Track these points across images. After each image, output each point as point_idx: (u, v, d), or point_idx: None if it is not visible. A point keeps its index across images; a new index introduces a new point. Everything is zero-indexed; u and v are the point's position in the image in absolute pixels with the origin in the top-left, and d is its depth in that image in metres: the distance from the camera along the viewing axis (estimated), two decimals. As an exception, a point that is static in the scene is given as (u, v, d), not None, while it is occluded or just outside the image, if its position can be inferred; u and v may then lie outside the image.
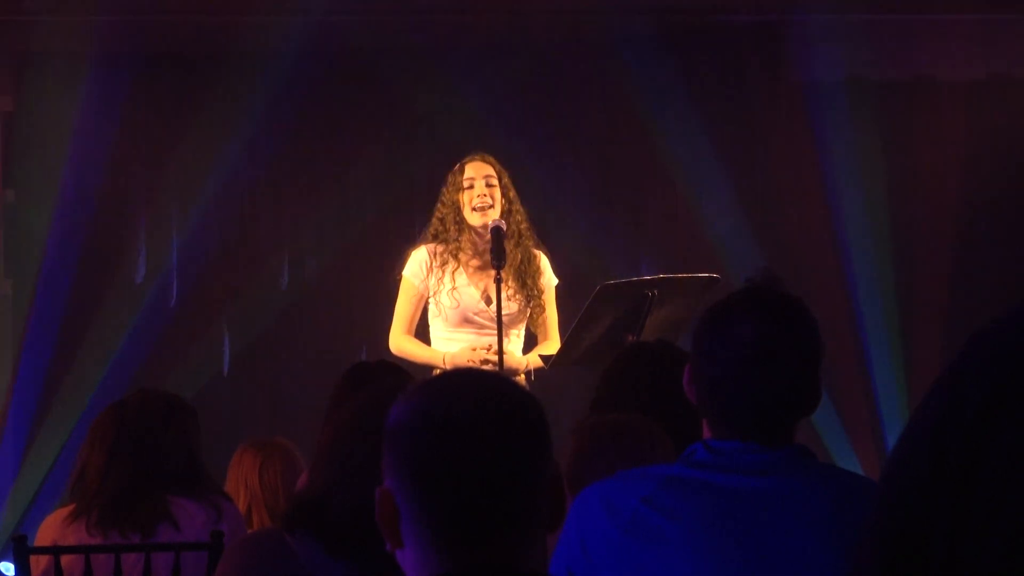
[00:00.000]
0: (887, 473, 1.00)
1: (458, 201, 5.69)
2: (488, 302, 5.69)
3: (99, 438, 3.85)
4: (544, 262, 5.81)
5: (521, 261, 5.71)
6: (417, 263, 5.74)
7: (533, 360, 5.68)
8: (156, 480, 3.83)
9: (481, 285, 5.71)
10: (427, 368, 5.59)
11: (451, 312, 5.68)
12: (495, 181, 5.69)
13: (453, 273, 5.69)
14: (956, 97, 7.54)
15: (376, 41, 7.46)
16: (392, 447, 1.64)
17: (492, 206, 5.63)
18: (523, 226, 5.74)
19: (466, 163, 5.74)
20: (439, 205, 5.78)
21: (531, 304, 5.73)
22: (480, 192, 5.64)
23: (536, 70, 7.44)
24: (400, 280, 5.77)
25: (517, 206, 5.75)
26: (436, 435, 1.62)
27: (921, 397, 1.01)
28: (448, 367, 5.54)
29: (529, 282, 5.71)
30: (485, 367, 5.40)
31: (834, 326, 6.90)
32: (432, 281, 5.71)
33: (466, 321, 5.69)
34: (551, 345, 5.72)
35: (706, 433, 2.48)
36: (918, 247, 7.51)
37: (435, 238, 5.73)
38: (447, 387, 1.67)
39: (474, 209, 5.63)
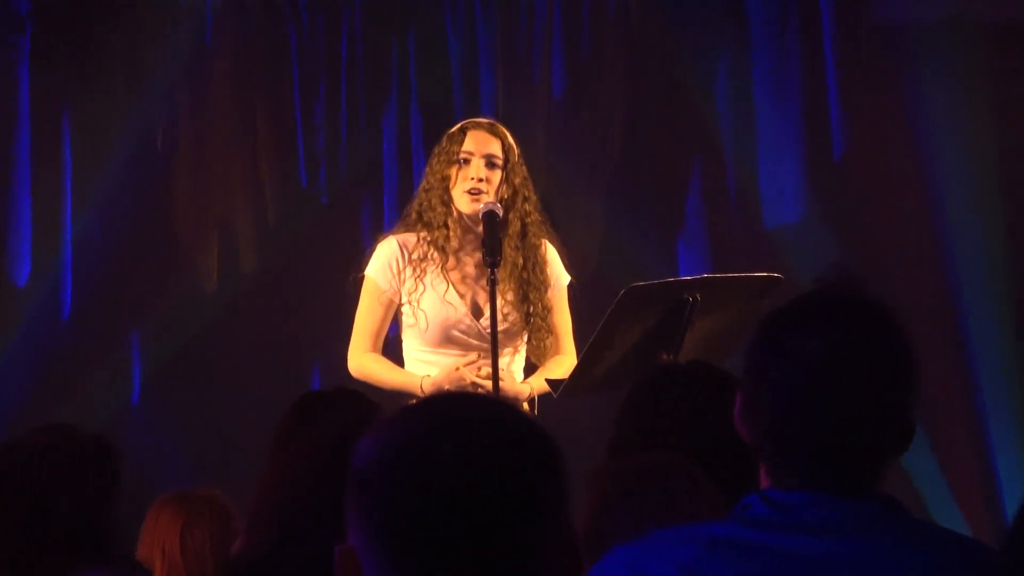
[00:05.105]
0: (1014, 530, 1.02)
1: (447, 176, 5.67)
2: (478, 315, 5.67)
3: (-21, 492, 3.86)
4: (552, 253, 5.79)
5: (524, 267, 5.67)
6: (384, 259, 5.72)
7: (538, 385, 5.65)
8: (53, 547, 3.83)
9: (469, 292, 5.70)
10: (399, 396, 5.59)
11: (430, 326, 5.66)
12: (499, 161, 5.65)
13: (433, 273, 5.67)
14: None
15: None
16: (359, 494, 1.66)
17: (487, 193, 5.60)
18: (530, 219, 5.70)
19: (468, 128, 5.70)
20: (426, 176, 5.75)
21: (531, 322, 5.70)
22: (476, 173, 5.61)
23: (542, 10, 7.45)
24: (362, 280, 5.77)
25: (526, 195, 5.72)
26: (416, 478, 1.63)
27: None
28: (428, 394, 5.54)
29: (532, 295, 5.67)
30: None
31: (933, 340, 6.91)
32: (407, 283, 5.68)
33: (448, 340, 5.67)
34: (564, 361, 5.70)
35: (764, 482, 2.50)
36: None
37: (419, 219, 5.70)
38: (429, 416, 1.68)
39: (465, 192, 5.61)
